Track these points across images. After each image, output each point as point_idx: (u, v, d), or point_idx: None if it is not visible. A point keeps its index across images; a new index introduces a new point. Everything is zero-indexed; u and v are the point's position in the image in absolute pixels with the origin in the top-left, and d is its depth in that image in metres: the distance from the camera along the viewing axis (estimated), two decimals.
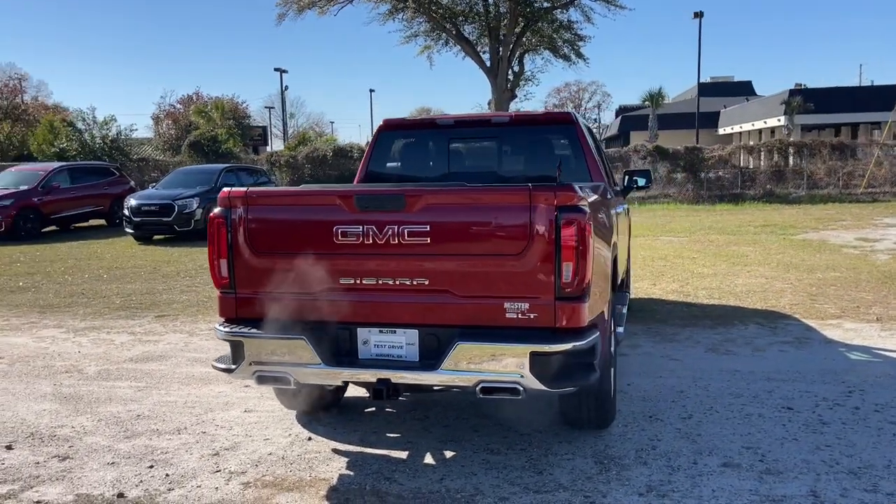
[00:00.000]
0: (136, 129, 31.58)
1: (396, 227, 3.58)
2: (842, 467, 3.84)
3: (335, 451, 4.23)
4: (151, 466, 4.06)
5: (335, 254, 3.69)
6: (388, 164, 5.67)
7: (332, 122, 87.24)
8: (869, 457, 3.96)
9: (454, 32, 36.56)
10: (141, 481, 3.87)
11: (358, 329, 3.75)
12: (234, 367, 3.84)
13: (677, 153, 25.91)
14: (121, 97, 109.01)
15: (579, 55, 38.55)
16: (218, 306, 3.96)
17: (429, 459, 4.08)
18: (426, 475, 3.86)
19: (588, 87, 75.78)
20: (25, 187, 17.93)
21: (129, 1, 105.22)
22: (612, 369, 4.36)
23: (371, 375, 3.68)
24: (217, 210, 3.86)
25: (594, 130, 6.64)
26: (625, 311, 6.09)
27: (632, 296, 8.43)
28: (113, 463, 4.12)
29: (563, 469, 3.89)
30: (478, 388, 3.54)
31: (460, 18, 36.50)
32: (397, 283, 3.66)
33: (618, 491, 3.63)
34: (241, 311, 3.90)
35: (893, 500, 3.48)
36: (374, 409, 4.97)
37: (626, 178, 7.14)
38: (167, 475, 3.94)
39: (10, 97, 42.86)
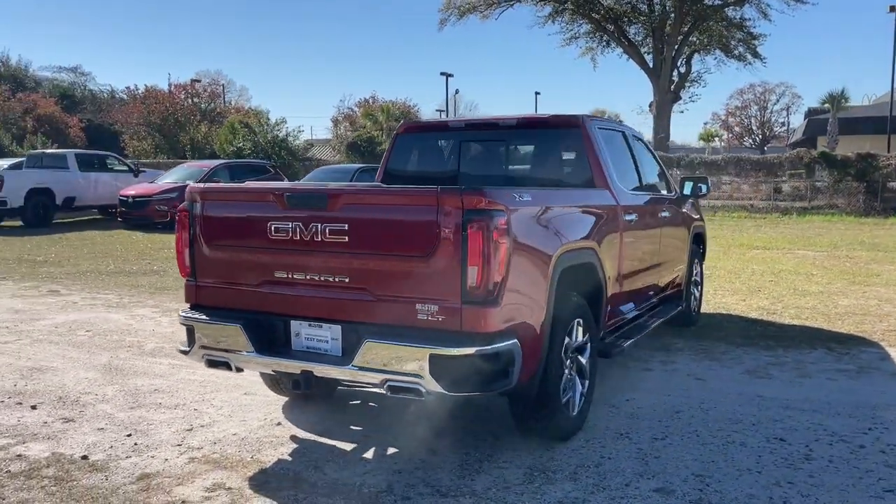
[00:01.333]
0: (303, 131, 33.77)
1: (319, 224, 3.72)
2: None
3: (293, 437, 4.43)
4: (129, 435, 4.47)
5: (270, 248, 3.89)
6: (406, 165, 5.80)
7: None
8: (827, 500, 3.57)
9: (615, 33, 35.77)
10: (111, 447, 4.27)
11: (291, 322, 3.93)
12: (188, 349, 4.16)
13: (847, 160, 23.74)
14: (307, 100, 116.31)
15: (755, 55, 36.32)
16: (184, 293, 4.29)
17: (369, 454, 4.17)
18: (353, 468, 3.96)
19: (775, 89, 70.85)
20: (190, 182, 19.77)
21: (316, 10, 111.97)
22: (566, 381, 4.22)
23: (297, 367, 3.84)
24: (183, 204, 4.19)
25: (638, 135, 6.36)
26: (652, 323, 5.86)
27: (703, 310, 7.99)
28: (102, 429, 4.58)
29: (487, 476, 3.84)
30: (385, 387, 3.60)
31: (623, 19, 35.64)
32: (322, 279, 3.80)
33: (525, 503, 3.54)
34: (200, 298, 4.21)
35: None
36: (358, 401, 5.13)
37: (683, 184, 6.83)
38: (136, 444, 4.32)
39: (210, 101, 47.13)
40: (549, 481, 3.78)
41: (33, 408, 4.99)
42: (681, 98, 36.41)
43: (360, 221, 3.66)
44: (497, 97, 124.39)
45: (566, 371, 4.24)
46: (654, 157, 6.79)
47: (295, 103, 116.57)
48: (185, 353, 4.19)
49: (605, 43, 37.26)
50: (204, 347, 4.08)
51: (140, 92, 45.02)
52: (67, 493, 3.65)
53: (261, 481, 3.80)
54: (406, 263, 3.58)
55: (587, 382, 4.54)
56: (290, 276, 3.88)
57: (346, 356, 3.75)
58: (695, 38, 35.66)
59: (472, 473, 3.87)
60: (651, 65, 35.34)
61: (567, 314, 4.20)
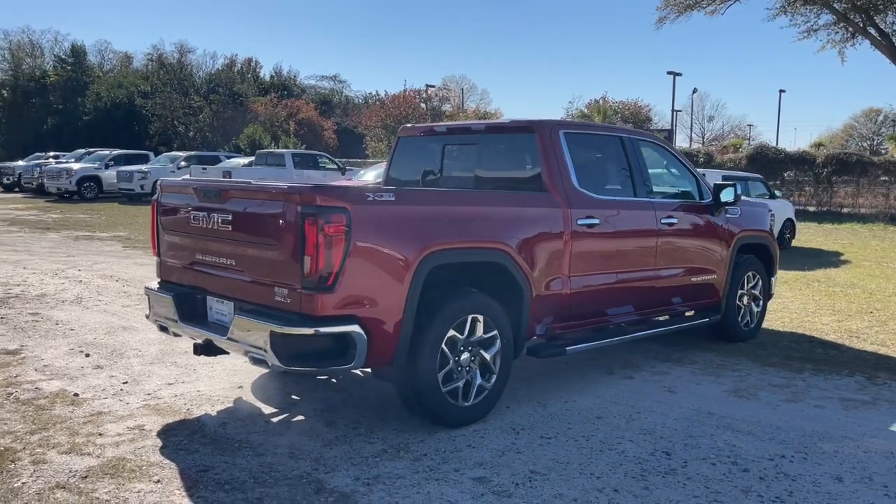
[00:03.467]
0: None
1: (216, 215, 4.41)
2: None
3: (237, 399, 5.13)
4: (126, 383, 5.47)
5: (192, 234, 4.65)
6: (404, 167, 6.27)
7: (749, 126, 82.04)
8: None
9: (860, 24, 32.22)
10: (103, 390, 5.28)
11: (207, 297, 4.65)
12: (148, 314, 5.06)
13: None
14: (541, 101, 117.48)
15: None
16: (155, 270, 5.21)
17: (278, 420, 4.77)
18: (253, 429, 4.57)
19: None
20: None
21: (553, 12, 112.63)
22: (450, 371, 4.48)
23: (200, 336, 4.57)
24: (155, 195, 5.10)
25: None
26: (639, 331, 5.84)
27: (782, 328, 7.50)
28: (113, 376, 5.63)
29: (348, 446, 4.26)
30: (248, 357, 4.19)
31: (872, 8, 31.98)
32: (221, 261, 4.48)
33: (344, 475, 3.93)
34: (161, 274, 5.10)
35: None
36: (339, 384, 5.71)
37: (714, 191, 6.57)
38: (121, 389, 5.29)
39: (440, 104, 50.07)
40: (392, 458, 4.12)
41: (86, 355, 6.22)
42: None
43: (239, 213, 4.28)
44: (739, 95, 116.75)
45: (451, 362, 4.51)
46: (682, 164, 6.57)
47: (530, 105, 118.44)
48: (147, 317, 5.10)
49: (850, 34, 33.72)
50: (154, 314, 4.95)
51: (380, 97, 48.99)
52: (34, 417, 4.68)
53: (170, 429, 4.55)
54: (267, 251, 4.14)
55: (494, 377, 4.74)
56: (205, 258, 4.61)
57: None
58: None
59: (342, 444, 4.32)
60: None
61: (452, 309, 4.46)
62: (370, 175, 22.32)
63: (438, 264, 4.36)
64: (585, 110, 54.66)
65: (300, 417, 4.81)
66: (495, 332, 4.72)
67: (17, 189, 32.13)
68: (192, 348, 4.93)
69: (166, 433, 4.47)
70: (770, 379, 5.86)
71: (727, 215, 6.73)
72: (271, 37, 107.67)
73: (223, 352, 4.75)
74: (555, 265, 5.13)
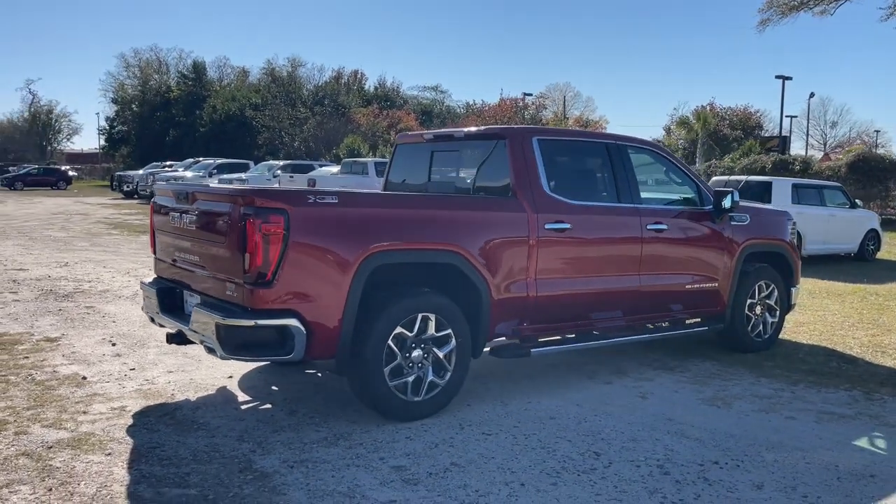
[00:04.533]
0: None
1: (186, 216, 4.82)
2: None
3: (221, 387, 5.52)
4: (133, 369, 5.98)
5: (172, 233, 5.09)
6: (400, 174, 6.52)
7: (876, 132, 77.21)
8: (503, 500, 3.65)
9: None
10: (111, 374, 5.80)
11: (184, 291, 5.07)
12: (142, 307, 5.54)
13: None
14: (646, 109, 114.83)
15: None
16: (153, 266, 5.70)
17: (248, 408, 5.12)
18: (223, 415, 4.93)
19: None
20: None
21: (656, 19, 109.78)
22: (397, 367, 4.68)
23: (174, 327, 4.98)
24: (153, 199, 5.58)
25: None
26: (619, 337, 5.88)
27: (808, 340, 7.26)
28: (126, 363, 6.16)
29: (293, 434, 4.55)
30: (203, 346, 4.56)
31: None
32: (191, 258, 4.88)
33: (274, 458, 4.22)
34: (157, 270, 5.57)
35: None
36: (324, 377, 6.03)
37: (714, 198, 6.48)
38: (126, 375, 5.79)
39: (536, 111, 50.07)
40: (329, 445, 4.37)
41: (112, 344, 6.81)
42: None
43: (201, 213, 4.67)
44: (866, 99, 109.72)
45: (399, 358, 4.71)
46: (681, 171, 6.50)
47: (635, 112, 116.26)
48: (142, 308, 5.59)
49: None
50: (145, 306, 5.43)
51: (477, 107, 49.53)
52: (37, 396, 5.22)
53: (147, 411, 4.98)
54: (220, 248, 4.50)
55: (448, 374, 4.92)
56: (181, 255, 5.03)
57: None
58: None
59: (290, 431, 4.61)
60: None
61: (400, 307, 4.67)
62: None
63: (383, 264, 4.58)
64: (690, 117, 53.20)
65: (267, 406, 5.14)
66: (449, 331, 4.89)
67: (135, 196, 34.60)
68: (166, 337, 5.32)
69: (141, 414, 4.90)
70: (758, 390, 5.73)
71: (732, 223, 6.60)
72: (377, 49, 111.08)
73: (192, 342, 5.14)
74: (518, 268, 5.24)
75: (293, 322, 4.30)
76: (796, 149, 65.24)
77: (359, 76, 63.79)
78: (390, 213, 4.75)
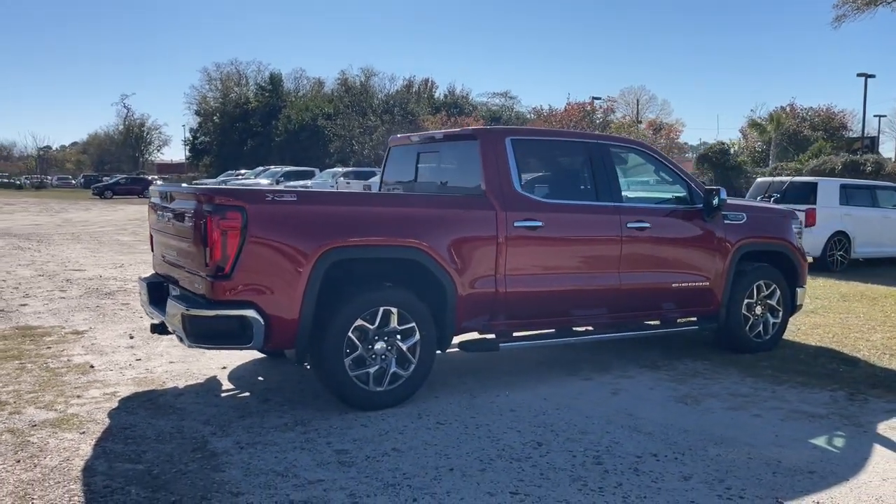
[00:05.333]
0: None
1: (167, 213, 5.17)
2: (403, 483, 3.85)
3: (210, 377, 5.85)
4: (139, 359, 6.39)
5: (159, 230, 5.46)
6: (393, 174, 6.75)
7: None
8: (423, 484, 3.80)
9: None
10: (117, 363, 6.20)
11: (170, 285, 5.42)
12: (140, 301, 5.94)
13: None
14: (724, 111, 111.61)
15: None
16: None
17: (226, 395, 5.43)
18: (201, 401, 5.25)
19: None
20: None
21: (729, 20, 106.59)
22: (358, 358, 4.90)
23: (158, 318, 5.33)
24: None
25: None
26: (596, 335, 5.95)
27: (820, 343, 7.12)
28: (135, 354, 6.58)
29: (255, 419, 4.82)
30: (175, 336, 4.89)
31: None
32: (173, 253, 5.23)
33: (229, 440, 4.49)
34: (154, 266, 5.96)
35: None
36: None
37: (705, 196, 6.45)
38: (131, 364, 6.19)
39: (604, 115, 49.43)
40: (285, 430, 4.61)
41: (130, 337, 7.27)
42: None
43: (176, 212, 5.00)
44: None
45: (361, 349, 4.92)
46: (671, 169, 6.48)
47: (712, 114, 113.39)
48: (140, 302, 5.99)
49: None
50: (141, 300, 5.82)
51: (543, 112, 49.38)
52: (44, 381, 5.65)
53: (135, 396, 5.33)
54: (189, 244, 4.82)
55: (412, 366, 5.10)
56: (168, 251, 5.39)
57: None
58: None
59: (256, 416, 4.88)
60: None
61: (361, 301, 4.88)
62: None
63: (341, 259, 4.81)
64: (764, 119, 51.56)
65: (246, 394, 5.44)
66: (413, 324, 5.07)
67: None
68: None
69: (128, 399, 5.26)
70: (738, 388, 5.68)
71: (726, 221, 6.54)
72: (448, 57, 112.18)
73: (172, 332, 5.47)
74: (486, 265, 5.37)
75: (251, 313, 4.57)
76: (888, 150, 62.31)
77: (429, 84, 64.59)
78: (348, 210, 4.97)
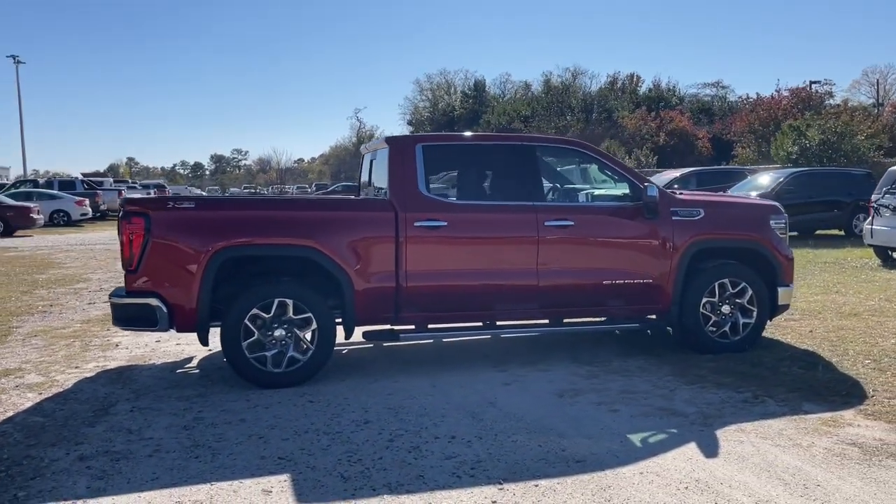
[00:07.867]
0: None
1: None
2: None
3: (195, 358, 6.91)
4: (158, 341, 7.62)
5: None
6: (362, 177, 7.42)
7: None
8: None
9: None
10: (135, 343, 7.48)
11: None
12: None
13: None
14: None
15: None
16: None
17: (198, 378, 6.43)
18: (176, 383, 6.31)
19: None
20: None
21: None
22: (255, 343, 5.65)
23: None
24: None
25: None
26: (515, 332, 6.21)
27: (810, 347, 6.75)
28: (157, 338, 7.82)
29: (194, 390, 5.76)
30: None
31: None
32: None
33: (128, 405, 5.44)
34: None
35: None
36: None
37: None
38: (146, 344, 7.45)
39: (820, 101, 45.30)
40: (182, 400, 5.49)
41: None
42: None
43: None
44: None
45: (257, 335, 5.67)
46: (612, 167, 6.50)
47: None
48: None
49: None
50: None
51: (751, 100, 46.39)
52: (72, 354, 7.01)
53: (117, 369, 6.51)
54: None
55: (310, 351, 5.76)
56: None
57: None
58: None
59: (181, 389, 5.82)
60: None
61: (254, 293, 5.64)
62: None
63: (234, 257, 5.61)
64: None
65: (196, 371, 6.41)
66: (309, 314, 5.72)
67: None
68: None
69: (109, 371, 6.45)
70: (634, 386, 5.65)
71: (675, 217, 6.40)
72: (652, 50, 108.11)
73: None
74: (386, 262, 5.87)
75: (153, 301, 5.53)
76: None
77: (634, 79, 63.09)
78: (241, 214, 5.76)
